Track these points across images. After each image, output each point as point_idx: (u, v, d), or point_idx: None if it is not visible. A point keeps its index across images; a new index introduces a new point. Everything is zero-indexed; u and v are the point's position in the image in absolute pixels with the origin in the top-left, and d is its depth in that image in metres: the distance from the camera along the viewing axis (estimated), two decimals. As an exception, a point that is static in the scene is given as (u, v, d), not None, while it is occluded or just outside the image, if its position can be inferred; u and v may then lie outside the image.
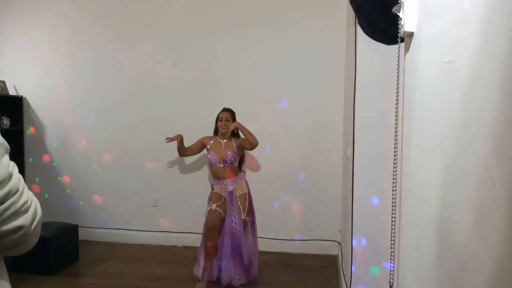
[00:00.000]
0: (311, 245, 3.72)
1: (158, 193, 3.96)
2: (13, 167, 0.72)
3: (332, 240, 3.69)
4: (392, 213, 1.19)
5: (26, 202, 0.73)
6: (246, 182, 3.18)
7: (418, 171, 1.03)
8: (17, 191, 0.71)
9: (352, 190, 2.24)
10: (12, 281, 0.80)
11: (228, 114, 3.18)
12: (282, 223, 3.77)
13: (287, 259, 3.59)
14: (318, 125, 3.64)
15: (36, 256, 3.14)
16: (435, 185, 0.86)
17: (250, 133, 3.09)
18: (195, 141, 3.31)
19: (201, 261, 2.99)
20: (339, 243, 3.57)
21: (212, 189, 3.18)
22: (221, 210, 2.99)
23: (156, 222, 3.97)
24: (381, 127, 2.06)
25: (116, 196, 4.03)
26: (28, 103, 4.10)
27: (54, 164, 4.11)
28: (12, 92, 4.06)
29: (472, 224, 0.65)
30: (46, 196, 4.11)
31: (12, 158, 0.73)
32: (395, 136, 1.16)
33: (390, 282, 1.17)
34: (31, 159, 4.14)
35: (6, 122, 3.95)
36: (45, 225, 3.34)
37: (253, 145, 3.10)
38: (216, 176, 3.15)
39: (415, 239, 1.04)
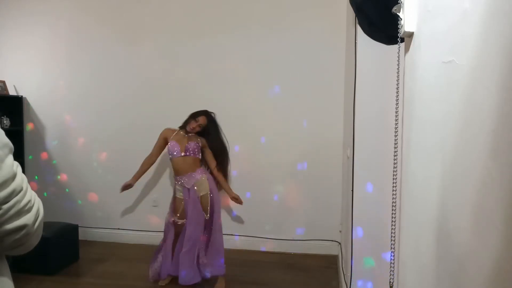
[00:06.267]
0: (311, 245, 3.72)
1: (158, 193, 3.96)
2: (16, 166, 0.73)
3: (332, 240, 3.69)
4: (392, 213, 1.19)
5: (29, 201, 0.73)
6: (208, 179, 3.06)
7: (418, 171, 1.02)
8: (20, 190, 0.71)
9: (352, 190, 2.24)
10: (13, 281, 0.80)
11: (205, 119, 3.10)
12: (282, 223, 3.77)
13: (287, 259, 3.59)
14: (318, 125, 3.64)
15: (36, 256, 3.15)
16: (435, 185, 0.86)
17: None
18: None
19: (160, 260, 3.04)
20: (339, 243, 3.58)
21: (174, 192, 3.11)
22: (183, 222, 3.00)
23: (156, 222, 3.97)
24: (381, 127, 2.06)
25: (116, 196, 4.02)
26: (28, 103, 4.11)
27: (54, 162, 4.12)
28: (12, 92, 4.06)
29: (472, 224, 0.65)
30: (45, 194, 4.11)
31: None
32: (395, 136, 1.16)
33: (390, 282, 1.17)
34: (30, 156, 4.14)
35: (6, 122, 3.95)
36: (45, 225, 3.33)
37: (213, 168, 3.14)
38: (176, 169, 3.05)
39: (415, 239, 1.04)
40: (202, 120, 3.10)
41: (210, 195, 3.02)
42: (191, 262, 2.91)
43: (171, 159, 3.10)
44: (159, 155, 3.30)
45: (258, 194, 3.78)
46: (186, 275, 2.87)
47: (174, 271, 2.98)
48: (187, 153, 3.02)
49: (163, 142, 3.20)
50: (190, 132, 3.09)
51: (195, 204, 2.96)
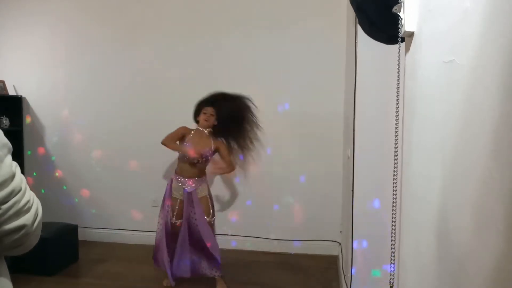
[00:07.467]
0: (312, 246, 3.71)
1: (158, 193, 3.94)
2: (15, 167, 0.73)
3: (332, 241, 3.69)
4: (393, 213, 1.19)
5: (28, 201, 0.73)
6: (207, 184, 3.06)
7: (418, 171, 1.02)
8: (19, 190, 0.71)
9: (352, 190, 2.24)
10: (11, 282, 0.80)
11: (213, 110, 3.02)
12: (283, 224, 3.77)
13: (288, 260, 3.59)
14: (318, 125, 3.64)
15: (35, 256, 3.14)
16: (435, 185, 0.86)
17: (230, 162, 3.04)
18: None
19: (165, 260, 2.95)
20: (340, 244, 3.57)
21: (171, 181, 3.01)
22: (180, 221, 2.96)
23: (156, 222, 3.96)
24: (381, 127, 2.06)
25: (115, 196, 4.03)
26: (27, 103, 4.11)
27: (53, 158, 4.11)
28: (11, 92, 4.06)
29: (472, 224, 0.65)
30: (43, 191, 4.10)
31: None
32: (396, 136, 1.16)
33: (390, 283, 1.17)
34: (29, 152, 4.14)
35: (5, 122, 3.95)
36: (44, 225, 3.33)
37: (229, 170, 3.06)
38: (182, 172, 2.97)
39: (415, 239, 1.04)
40: (209, 110, 3.00)
41: (208, 197, 3.01)
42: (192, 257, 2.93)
43: (180, 158, 3.00)
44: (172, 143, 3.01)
45: (259, 194, 3.78)
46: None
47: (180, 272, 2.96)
48: (199, 160, 2.93)
49: (180, 138, 2.99)
50: (206, 128, 2.99)
51: (198, 205, 2.92)
